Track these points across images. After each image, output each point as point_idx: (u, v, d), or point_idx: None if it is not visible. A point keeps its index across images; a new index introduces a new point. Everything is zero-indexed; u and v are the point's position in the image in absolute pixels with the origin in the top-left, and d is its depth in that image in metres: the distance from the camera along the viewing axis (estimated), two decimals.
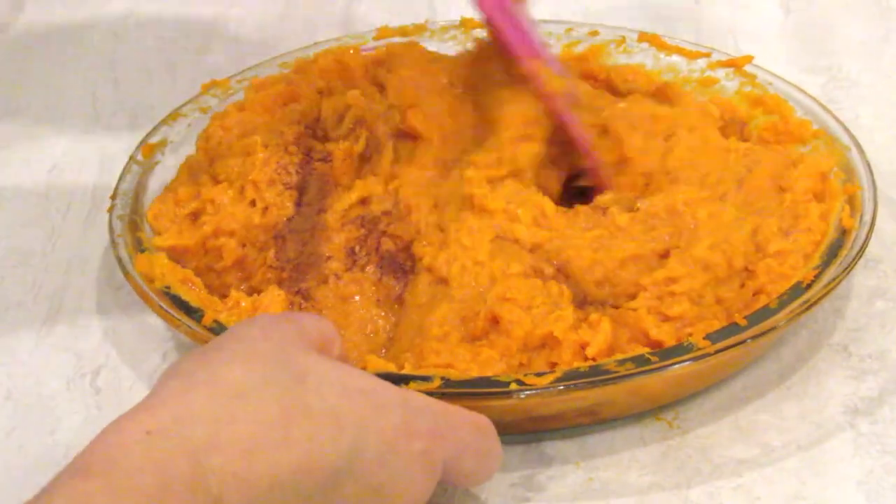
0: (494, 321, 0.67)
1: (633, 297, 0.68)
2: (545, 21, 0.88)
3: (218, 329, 0.67)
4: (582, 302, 0.69)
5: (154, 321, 0.73)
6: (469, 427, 0.58)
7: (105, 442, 0.50)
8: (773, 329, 0.66)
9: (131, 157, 0.79)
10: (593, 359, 0.65)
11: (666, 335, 0.66)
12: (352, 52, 0.84)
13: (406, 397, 0.56)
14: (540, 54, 0.75)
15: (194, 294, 0.70)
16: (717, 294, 0.68)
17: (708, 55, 0.85)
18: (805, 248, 0.70)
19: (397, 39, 0.86)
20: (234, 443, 0.50)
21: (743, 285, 0.69)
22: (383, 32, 0.88)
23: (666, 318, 0.67)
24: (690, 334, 0.66)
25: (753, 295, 0.69)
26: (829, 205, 0.73)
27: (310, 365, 0.54)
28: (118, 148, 0.88)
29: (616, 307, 0.68)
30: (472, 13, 0.77)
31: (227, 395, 0.51)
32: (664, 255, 0.70)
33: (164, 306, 0.68)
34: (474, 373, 0.65)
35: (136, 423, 0.50)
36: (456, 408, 0.58)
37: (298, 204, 0.73)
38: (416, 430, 0.55)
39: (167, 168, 0.79)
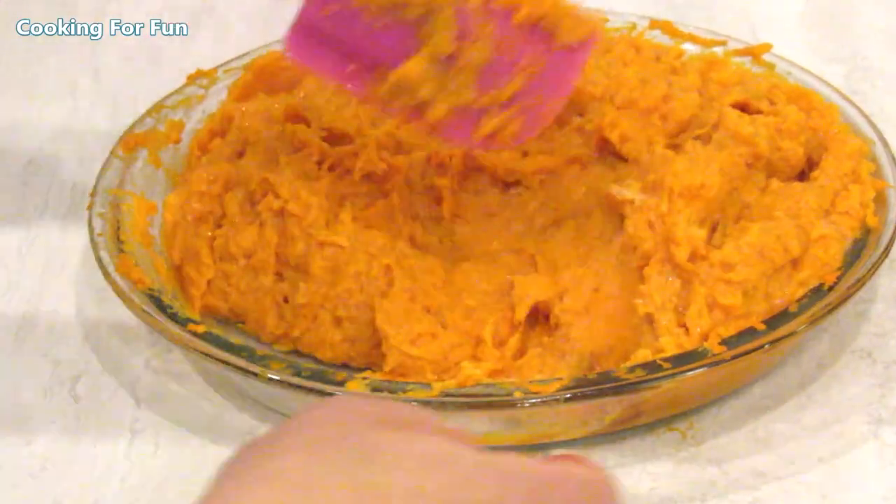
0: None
1: None
2: None
3: (208, 335, 0.67)
4: None
5: (137, 325, 0.73)
6: (578, 489, 0.51)
7: None
8: (792, 334, 0.66)
9: (112, 152, 0.79)
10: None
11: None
12: None
13: (496, 462, 0.50)
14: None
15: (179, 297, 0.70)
16: (768, 289, 0.68)
17: (724, 43, 0.85)
18: (845, 234, 0.70)
19: None
20: None
21: (789, 277, 0.69)
22: None
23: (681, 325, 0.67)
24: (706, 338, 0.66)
25: (798, 287, 0.69)
26: (862, 192, 0.72)
27: (380, 440, 0.50)
28: (98, 142, 0.88)
29: None
30: None
31: (288, 488, 0.49)
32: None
33: (148, 310, 0.68)
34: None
35: None
36: (563, 466, 0.52)
37: None
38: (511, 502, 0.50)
39: (150, 163, 0.79)
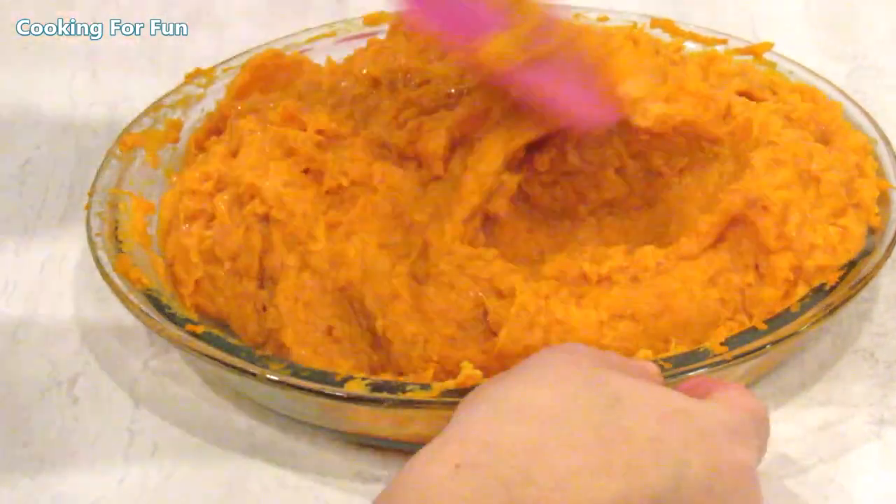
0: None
1: None
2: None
3: (207, 336, 0.67)
4: None
5: (135, 325, 0.73)
6: (752, 421, 0.56)
7: (414, 476, 0.50)
8: (794, 334, 0.66)
9: (110, 151, 0.79)
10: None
11: None
12: None
13: (720, 413, 0.55)
14: (483, 29, 0.71)
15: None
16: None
17: (725, 42, 0.85)
18: (857, 228, 0.70)
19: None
20: (548, 474, 0.49)
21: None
22: (376, 18, 0.88)
23: None
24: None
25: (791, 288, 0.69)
26: (868, 187, 0.72)
27: (624, 386, 0.53)
28: (96, 141, 0.88)
29: None
30: None
31: (537, 421, 0.51)
32: None
33: (146, 310, 0.68)
34: None
35: (443, 456, 0.50)
36: (730, 403, 0.56)
37: None
38: (743, 446, 0.54)
39: (148, 163, 0.79)
